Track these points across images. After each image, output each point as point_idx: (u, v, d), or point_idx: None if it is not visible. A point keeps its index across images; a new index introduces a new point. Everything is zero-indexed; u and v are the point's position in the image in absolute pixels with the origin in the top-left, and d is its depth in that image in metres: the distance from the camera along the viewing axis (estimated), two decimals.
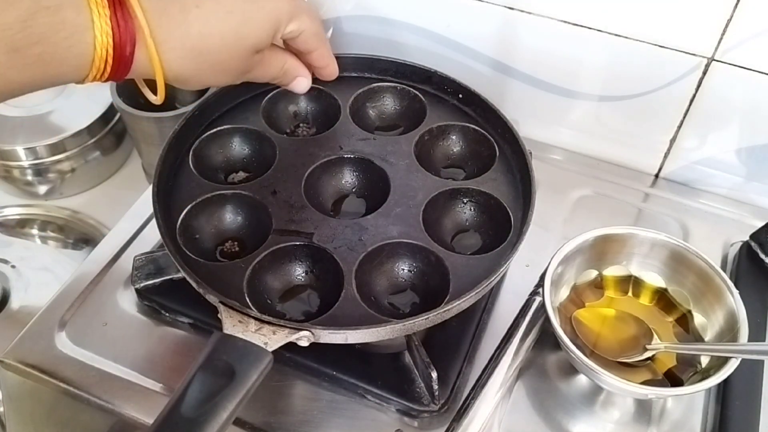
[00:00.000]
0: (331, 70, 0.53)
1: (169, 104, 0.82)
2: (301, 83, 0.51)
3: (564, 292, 0.54)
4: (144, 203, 0.65)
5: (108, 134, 0.83)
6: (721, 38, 0.59)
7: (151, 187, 0.53)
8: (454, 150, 0.62)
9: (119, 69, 0.38)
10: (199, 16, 0.40)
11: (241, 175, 0.60)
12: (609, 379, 0.47)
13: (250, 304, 0.48)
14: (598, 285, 0.56)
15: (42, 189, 0.83)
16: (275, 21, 0.44)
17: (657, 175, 0.72)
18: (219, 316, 0.45)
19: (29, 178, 0.82)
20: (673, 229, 0.66)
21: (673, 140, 0.69)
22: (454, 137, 0.62)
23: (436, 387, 0.50)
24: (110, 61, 0.37)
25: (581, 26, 0.63)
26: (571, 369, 0.54)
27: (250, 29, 0.42)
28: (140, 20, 0.37)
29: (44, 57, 0.35)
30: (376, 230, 0.54)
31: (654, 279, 0.56)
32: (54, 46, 0.35)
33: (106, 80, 0.39)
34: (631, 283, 0.56)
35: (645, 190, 0.71)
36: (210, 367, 0.40)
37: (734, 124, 0.65)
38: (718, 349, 0.49)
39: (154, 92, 0.44)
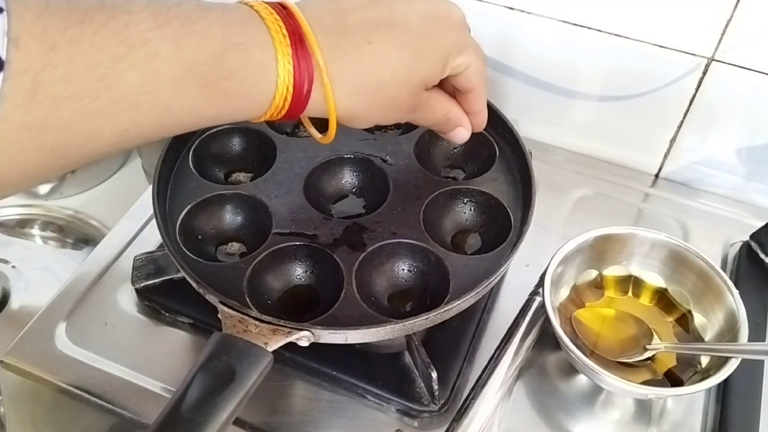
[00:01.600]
0: (481, 119, 0.49)
1: None
2: (461, 133, 0.49)
3: (564, 292, 0.54)
4: (144, 203, 0.65)
5: None
6: (721, 38, 0.59)
7: (151, 187, 0.53)
8: (454, 150, 0.62)
9: (296, 107, 0.38)
10: (371, 52, 0.39)
11: (242, 175, 0.60)
12: (609, 379, 0.47)
13: (250, 304, 0.48)
14: (598, 285, 0.56)
15: (42, 189, 0.83)
16: (445, 54, 0.42)
17: (657, 175, 0.72)
18: (219, 316, 0.45)
19: None
20: (673, 229, 0.66)
21: (673, 140, 0.69)
22: None
23: (436, 387, 0.50)
24: (289, 98, 0.37)
25: (581, 26, 0.63)
26: (571, 369, 0.54)
27: (420, 63, 0.41)
28: (318, 59, 0.37)
29: (230, 92, 0.35)
30: (375, 230, 0.54)
31: (654, 279, 0.56)
32: (240, 81, 0.35)
33: (281, 119, 0.39)
34: (631, 283, 0.56)
35: (645, 190, 0.71)
36: (210, 367, 0.40)
37: (734, 124, 0.65)
38: (718, 349, 0.49)
39: (319, 129, 0.44)
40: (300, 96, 0.38)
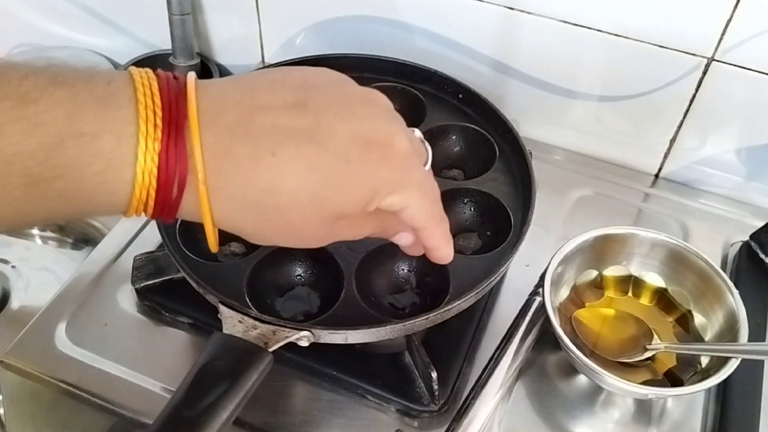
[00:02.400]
0: (440, 254, 0.41)
1: None
2: (404, 239, 0.40)
3: (564, 292, 0.54)
4: None
5: None
6: (721, 38, 0.59)
7: None
8: (454, 150, 0.62)
9: (162, 212, 0.31)
10: (271, 168, 0.31)
11: None
12: (609, 379, 0.47)
13: (250, 304, 0.48)
14: (598, 285, 0.56)
15: None
16: (370, 190, 0.34)
17: (657, 175, 0.72)
18: (219, 316, 0.45)
19: None
20: (673, 229, 0.66)
21: (673, 140, 0.69)
22: (454, 137, 0.62)
23: (436, 387, 0.50)
24: (151, 203, 0.30)
25: (581, 26, 0.63)
26: (571, 369, 0.54)
27: (334, 194, 0.33)
28: (196, 162, 0.30)
29: (67, 193, 0.29)
30: None
31: (654, 279, 0.56)
32: (79, 181, 0.29)
33: (152, 218, 0.32)
34: (631, 283, 0.56)
35: (645, 190, 0.71)
36: (210, 367, 0.40)
37: (734, 124, 0.65)
38: (718, 349, 0.49)
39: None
40: (166, 200, 0.30)
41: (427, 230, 0.38)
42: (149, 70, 0.31)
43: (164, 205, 0.31)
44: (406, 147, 0.35)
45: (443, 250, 0.40)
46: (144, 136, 0.29)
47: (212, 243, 0.34)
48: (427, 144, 0.39)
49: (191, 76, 0.32)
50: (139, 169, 0.29)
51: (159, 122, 0.29)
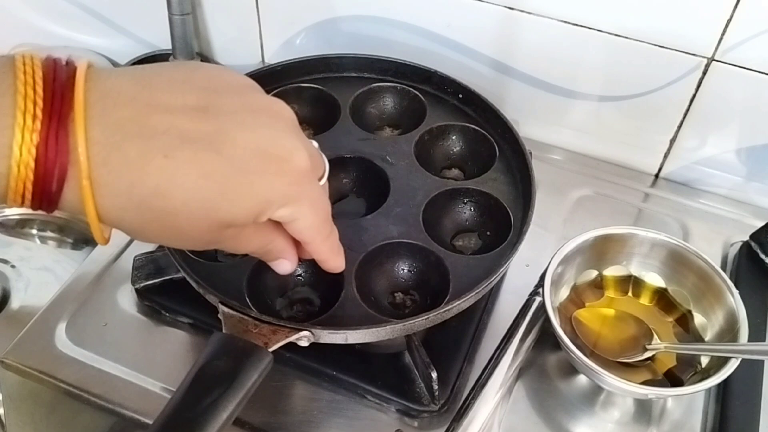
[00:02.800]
0: (330, 266, 0.42)
1: None
2: (283, 266, 0.41)
3: (564, 292, 0.54)
4: None
5: None
6: (721, 38, 0.59)
7: None
8: (454, 150, 0.62)
9: (42, 204, 0.30)
10: (164, 169, 0.30)
11: None
12: (609, 379, 0.47)
13: (250, 304, 0.48)
14: (598, 285, 0.56)
15: None
16: (262, 202, 0.34)
17: (657, 175, 0.72)
18: (219, 316, 0.45)
19: None
20: (673, 229, 0.66)
21: (673, 140, 0.69)
22: (454, 137, 0.62)
23: (436, 387, 0.50)
24: (28, 195, 0.29)
25: (581, 26, 0.63)
26: (571, 369, 0.54)
27: (226, 202, 0.32)
28: (80, 155, 0.29)
29: None
30: (376, 230, 0.53)
31: (654, 279, 0.56)
32: None
33: (32, 209, 0.31)
34: (631, 283, 0.56)
35: (645, 190, 0.71)
36: (210, 367, 0.40)
37: (734, 124, 0.65)
38: (718, 349, 0.49)
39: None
40: (46, 194, 0.29)
41: (315, 244, 0.39)
42: (36, 56, 0.30)
43: (42, 198, 0.30)
44: (305, 163, 0.35)
45: (332, 262, 0.42)
46: (21, 128, 0.28)
47: (98, 237, 0.33)
48: (324, 157, 0.40)
49: (83, 64, 0.31)
50: (14, 162, 0.28)
51: (39, 113, 0.28)
